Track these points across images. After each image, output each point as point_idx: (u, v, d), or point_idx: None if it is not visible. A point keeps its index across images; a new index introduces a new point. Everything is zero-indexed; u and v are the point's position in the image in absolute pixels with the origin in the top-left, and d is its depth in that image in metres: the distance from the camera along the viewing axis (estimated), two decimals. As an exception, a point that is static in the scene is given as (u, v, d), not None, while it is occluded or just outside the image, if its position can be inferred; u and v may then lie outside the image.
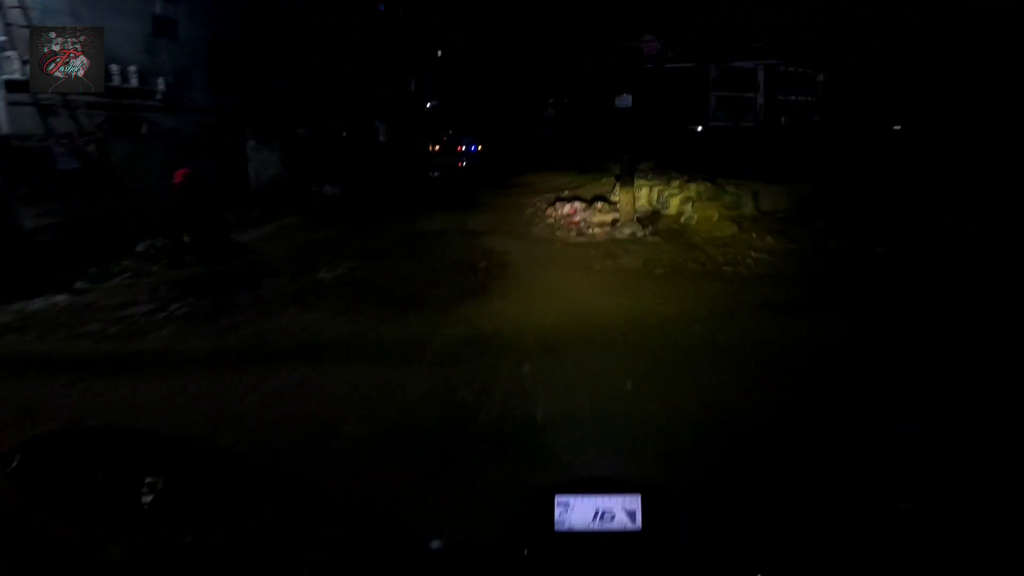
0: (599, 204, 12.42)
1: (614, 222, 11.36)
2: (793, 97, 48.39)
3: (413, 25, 52.35)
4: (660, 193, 12.33)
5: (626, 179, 11.11)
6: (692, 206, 11.03)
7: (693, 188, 11.45)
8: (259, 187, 17.97)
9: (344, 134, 27.69)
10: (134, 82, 13.91)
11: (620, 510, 1.00)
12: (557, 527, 1.00)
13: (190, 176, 8.97)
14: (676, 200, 11.56)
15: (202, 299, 7.40)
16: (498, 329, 5.69)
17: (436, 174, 32.72)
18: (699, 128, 41.10)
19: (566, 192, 16.81)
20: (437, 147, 58.72)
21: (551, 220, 12.32)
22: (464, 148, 58.98)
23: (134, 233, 10.52)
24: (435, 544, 1.00)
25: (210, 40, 16.65)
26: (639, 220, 11.12)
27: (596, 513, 1.01)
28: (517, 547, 0.99)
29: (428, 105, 54.04)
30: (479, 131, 55.91)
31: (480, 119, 53.01)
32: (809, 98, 49.53)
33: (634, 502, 1.00)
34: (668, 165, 14.31)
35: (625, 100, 10.70)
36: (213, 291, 7.77)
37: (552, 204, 13.63)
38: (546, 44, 28.67)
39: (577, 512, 1.00)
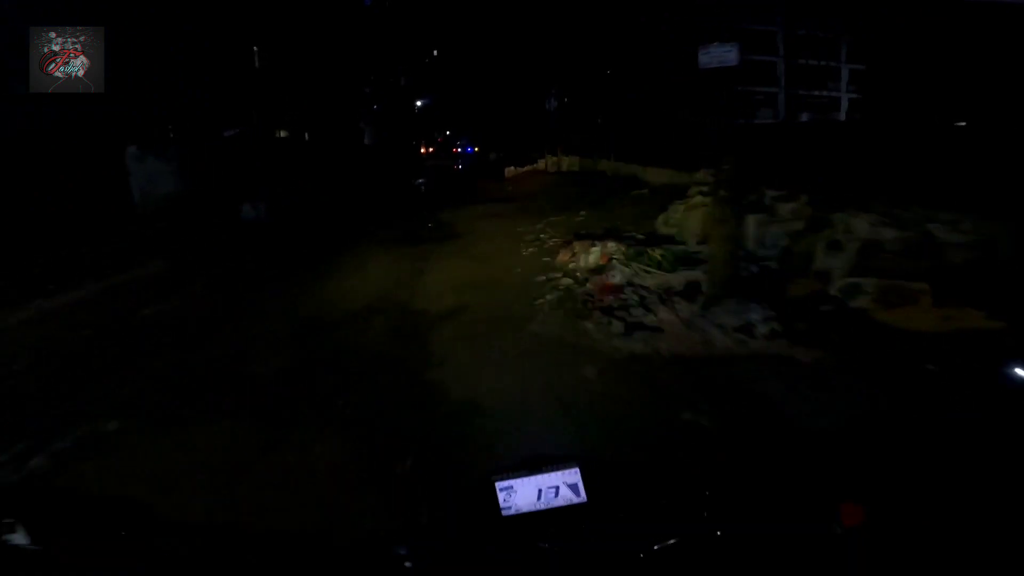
0: (658, 251, 6.79)
1: (693, 290, 5.75)
2: (816, 92, 43.79)
3: (403, 18, 47.10)
4: (760, 228, 6.72)
5: (721, 204, 5.48)
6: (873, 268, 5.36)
7: (864, 223, 5.80)
8: (148, 210, 12.43)
9: (306, 136, 22.08)
10: None
11: (562, 484, 0.97)
12: (504, 512, 0.96)
13: None
14: (821, 250, 5.94)
15: None
16: None
17: (420, 181, 27.20)
18: (712, 127, 35.94)
19: (582, 214, 11.20)
20: (431, 149, 53.42)
21: (568, 279, 6.68)
22: (460, 150, 53.87)
23: None
24: (402, 551, 0.91)
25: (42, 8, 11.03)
26: (743, 284, 5.49)
27: (540, 492, 0.97)
28: (470, 538, 0.96)
29: (419, 104, 48.68)
30: (476, 130, 50.66)
31: (477, 117, 47.59)
32: (835, 93, 45.02)
33: (574, 475, 0.97)
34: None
35: (725, 54, 4.83)
36: None
37: (568, 244, 8.04)
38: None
39: (521, 494, 0.97)
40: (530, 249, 8.66)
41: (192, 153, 12.55)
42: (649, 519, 0.90)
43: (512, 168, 30.90)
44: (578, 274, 6.74)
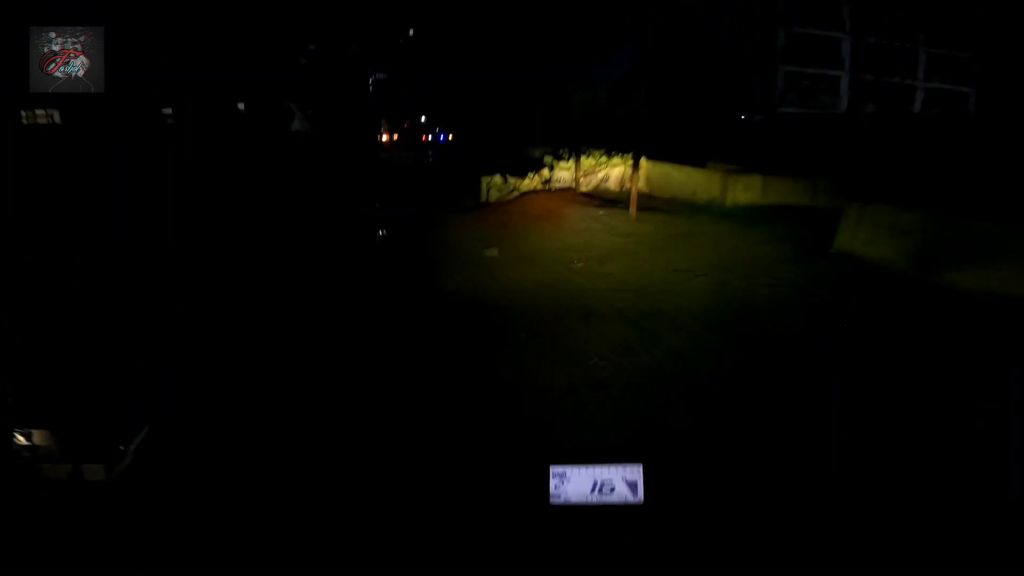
0: None
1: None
2: (886, 79, 33.07)
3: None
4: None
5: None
6: None
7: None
8: None
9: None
10: None
11: (620, 481, 0.94)
12: (552, 500, 0.94)
13: None
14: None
15: None
16: None
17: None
18: (757, 117, 27.42)
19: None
20: (395, 136, 40.56)
21: None
22: (430, 137, 41.85)
23: None
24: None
25: None
26: None
27: (595, 485, 0.93)
28: (511, 524, 1.04)
29: (371, 80, 35.61)
30: (454, 114, 38.89)
31: (456, 96, 35.60)
32: (908, 80, 33.66)
33: (635, 472, 0.95)
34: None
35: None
36: None
37: None
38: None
39: (574, 484, 0.94)
40: None
41: None
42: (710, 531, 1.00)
43: (497, 180, 16.19)
44: None
